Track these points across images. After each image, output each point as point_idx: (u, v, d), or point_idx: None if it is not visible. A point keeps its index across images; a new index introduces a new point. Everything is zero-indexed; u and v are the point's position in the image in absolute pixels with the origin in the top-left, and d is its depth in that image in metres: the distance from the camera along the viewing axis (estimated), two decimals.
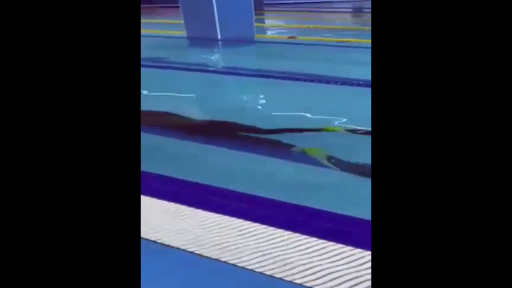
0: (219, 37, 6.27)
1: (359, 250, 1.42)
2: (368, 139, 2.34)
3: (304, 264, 1.37)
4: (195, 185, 1.97)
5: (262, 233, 1.54)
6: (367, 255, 1.40)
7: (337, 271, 1.34)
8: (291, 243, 1.48)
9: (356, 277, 1.31)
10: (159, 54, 5.25)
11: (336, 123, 2.78)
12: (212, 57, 5.65)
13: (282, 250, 1.44)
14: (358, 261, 1.38)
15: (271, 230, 1.55)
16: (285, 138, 2.56)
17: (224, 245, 1.48)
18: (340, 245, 1.45)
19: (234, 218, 1.64)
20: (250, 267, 1.37)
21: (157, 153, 2.38)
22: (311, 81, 3.99)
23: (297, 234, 1.52)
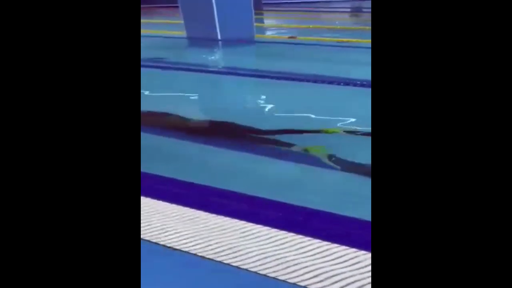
0: (219, 37, 6.27)
1: (362, 252, 1.42)
2: (368, 140, 2.34)
3: (307, 266, 1.37)
4: (196, 186, 1.97)
5: (265, 234, 1.54)
6: (370, 257, 1.40)
7: (341, 273, 1.33)
8: (294, 244, 1.47)
9: (359, 280, 1.31)
10: (159, 54, 5.25)
11: (336, 122, 2.78)
12: (212, 57, 5.65)
13: (285, 252, 1.44)
14: (362, 263, 1.37)
15: (274, 231, 1.55)
16: (285, 138, 2.56)
17: (226, 246, 1.48)
18: (344, 247, 1.45)
19: (236, 220, 1.64)
20: (253, 269, 1.36)
21: (157, 153, 2.38)
22: (311, 81, 3.99)
23: (300, 236, 1.52)
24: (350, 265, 1.37)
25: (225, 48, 6.07)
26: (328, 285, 1.29)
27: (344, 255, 1.41)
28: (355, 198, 1.83)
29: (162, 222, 1.64)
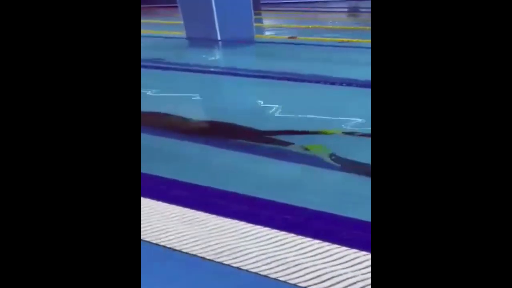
0: (218, 37, 6.27)
1: (363, 252, 1.42)
2: (368, 140, 2.34)
3: (308, 267, 1.36)
4: (197, 187, 1.97)
5: (265, 235, 1.54)
6: (370, 258, 1.39)
7: (342, 274, 1.33)
8: (294, 245, 1.47)
9: (360, 280, 1.30)
10: (159, 55, 5.24)
11: (336, 123, 2.78)
12: (212, 58, 5.64)
13: (286, 253, 1.44)
14: (362, 264, 1.37)
15: (274, 232, 1.55)
16: (285, 138, 2.55)
17: (227, 247, 1.47)
18: (345, 248, 1.45)
19: (236, 221, 1.64)
20: (254, 270, 1.36)
21: (157, 153, 2.38)
22: (311, 81, 3.99)
23: (301, 237, 1.52)
24: (351, 266, 1.37)
25: (225, 48, 6.07)
26: (329, 286, 1.29)
27: (345, 256, 1.41)
28: (355, 198, 1.83)
29: (162, 223, 1.64)
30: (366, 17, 8.55)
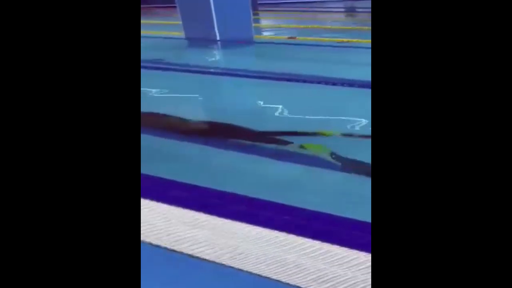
0: (217, 38, 6.27)
1: (364, 253, 1.42)
2: (367, 140, 2.34)
3: (309, 268, 1.36)
4: (197, 188, 1.97)
5: (266, 236, 1.54)
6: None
7: (343, 274, 1.33)
8: (295, 246, 1.47)
9: (361, 281, 1.30)
10: (158, 55, 5.24)
11: (336, 123, 2.78)
12: (211, 58, 5.64)
13: (287, 254, 1.43)
14: (363, 265, 1.37)
15: (275, 233, 1.55)
16: (284, 138, 2.55)
17: (227, 249, 1.47)
18: (345, 249, 1.45)
19: (237, 222, 1.63)
20: (254, 271, 1.36)
21: (157, 154, 2.38)
22: (311, 82, 3.99)
23: (301, 237, 1.51)
24: (351, 266, 1.37)
25: (224, 49, 6.06)
26: (330, 287, 1.29)
27: (345, 256, 1.41)
28: (355, 199, 1.83)
29: (162, 224, 1.64)
30: (365, 17, 8.55)
